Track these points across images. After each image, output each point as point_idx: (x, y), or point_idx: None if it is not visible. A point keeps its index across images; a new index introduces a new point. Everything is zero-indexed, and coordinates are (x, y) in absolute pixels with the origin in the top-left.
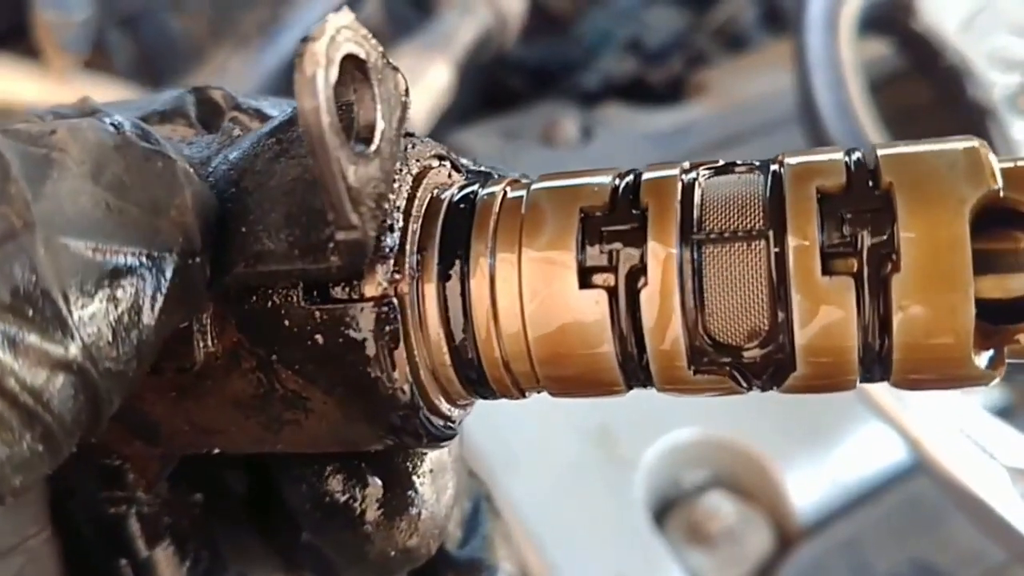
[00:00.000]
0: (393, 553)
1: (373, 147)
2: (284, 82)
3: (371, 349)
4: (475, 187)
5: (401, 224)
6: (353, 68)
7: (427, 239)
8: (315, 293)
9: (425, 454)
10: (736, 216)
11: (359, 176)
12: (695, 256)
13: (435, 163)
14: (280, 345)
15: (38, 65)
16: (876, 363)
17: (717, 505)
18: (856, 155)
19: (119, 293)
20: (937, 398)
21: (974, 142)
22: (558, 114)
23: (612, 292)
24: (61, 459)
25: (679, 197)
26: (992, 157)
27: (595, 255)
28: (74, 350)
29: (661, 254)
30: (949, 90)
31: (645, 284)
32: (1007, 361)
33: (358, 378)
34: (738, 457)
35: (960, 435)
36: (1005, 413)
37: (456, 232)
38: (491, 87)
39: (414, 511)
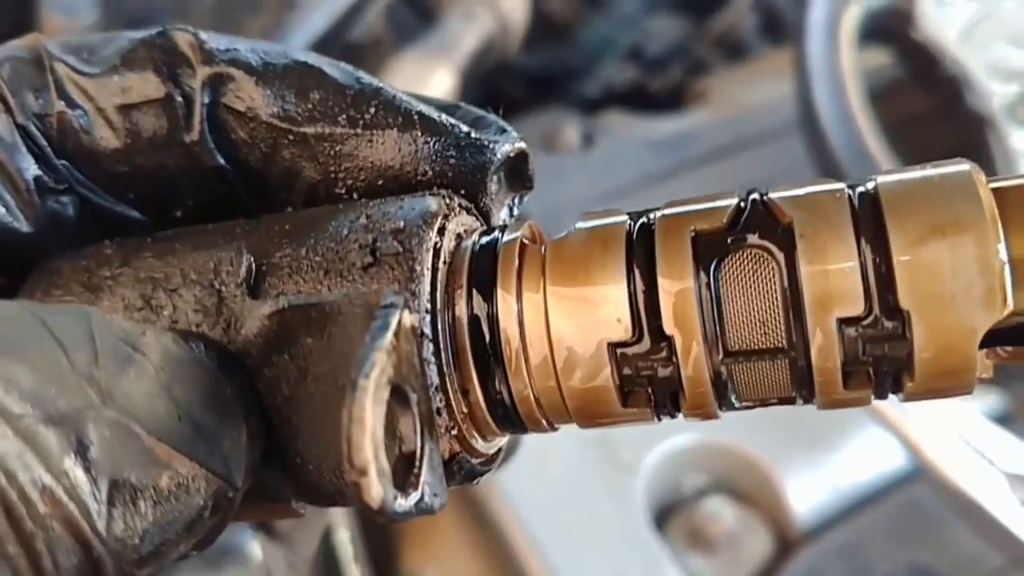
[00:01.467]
0: None
1: (415, 488)
2: None
3: None
4: (499, 234)
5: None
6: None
7: (454, 278)
8: None
9: None
10: (759, 334)
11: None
12: (722, 369)
13: (461, 212)
14: None
15: None
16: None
17: (717, 510)
18: (872, 268)
19: (165, 499)
20: (936, 405)
21: (989, 246)
22: (560, 121)
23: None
24: None
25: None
26: (1006, 273)
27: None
28: (99, 547)
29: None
30: (949, 99)
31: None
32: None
33: None
34: (738, 462)
35: (959, 441)
36: (1003, 419)
37: (481, 271)
38: (493, 94)
39: None
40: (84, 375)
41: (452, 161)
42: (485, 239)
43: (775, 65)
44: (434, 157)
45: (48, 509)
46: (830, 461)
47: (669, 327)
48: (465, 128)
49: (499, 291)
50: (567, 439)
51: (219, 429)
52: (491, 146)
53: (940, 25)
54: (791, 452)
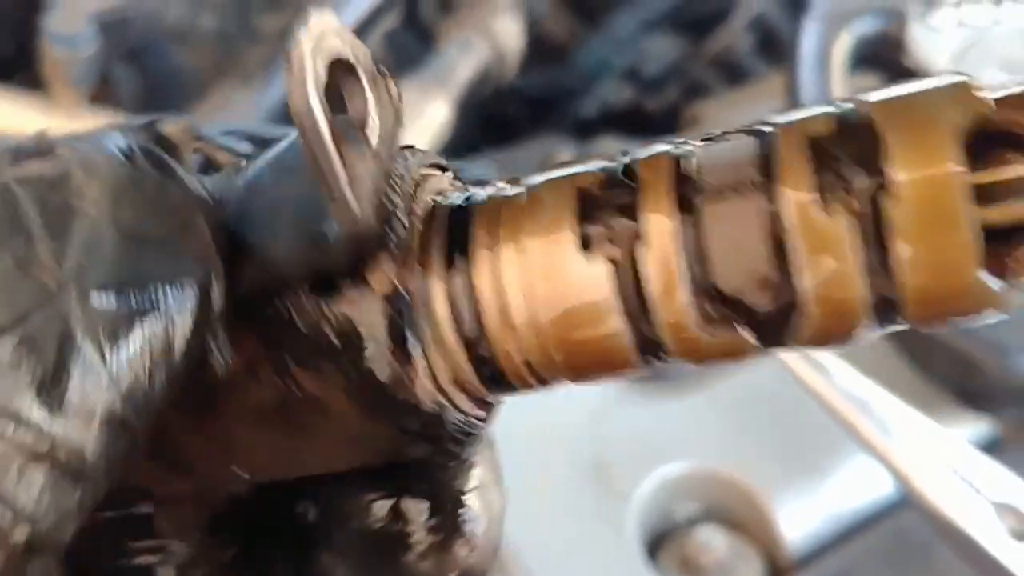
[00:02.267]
0: None
1: (371, 144)
2: (287, 118)
3: (383, 344)
4: (475, 190)
5: (405, 224)
6: (343, 73)
7: (429, 240)
8: (324, 290)
9: (470, 470)
10: (730, 173)
11: (357, 169)
12: (693, 216)
13: (435, 172)
14: (294, 346)
15: (44, 97)
16: (885, 305)
17: (709, 538)
18: (847, 105)
19: (149, 332)
20: (924, 433)
21: (963, 76)
22: (555, 147)
23: (616, 264)
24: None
25: (672, 165)
26: (983, 83)
27: (596, 232)
28: (117, 404)
29: (659, 220)
30: None
31: (647, 250)
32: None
33: (371, 375)
34: (730, 490)
35: (948, 470)
36: (993, 446)
37: (459, 231)
38: (489, 115)
39: (468, 529)
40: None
41: None
42: (461, 198)
43: (770, 89)
44: None
45: None
46: (821, 489)
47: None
48: None
49: (475, 250)
50: (559, 466)
51: (177, 231)
52: None
53: (931, 51)
54: (782, 480)
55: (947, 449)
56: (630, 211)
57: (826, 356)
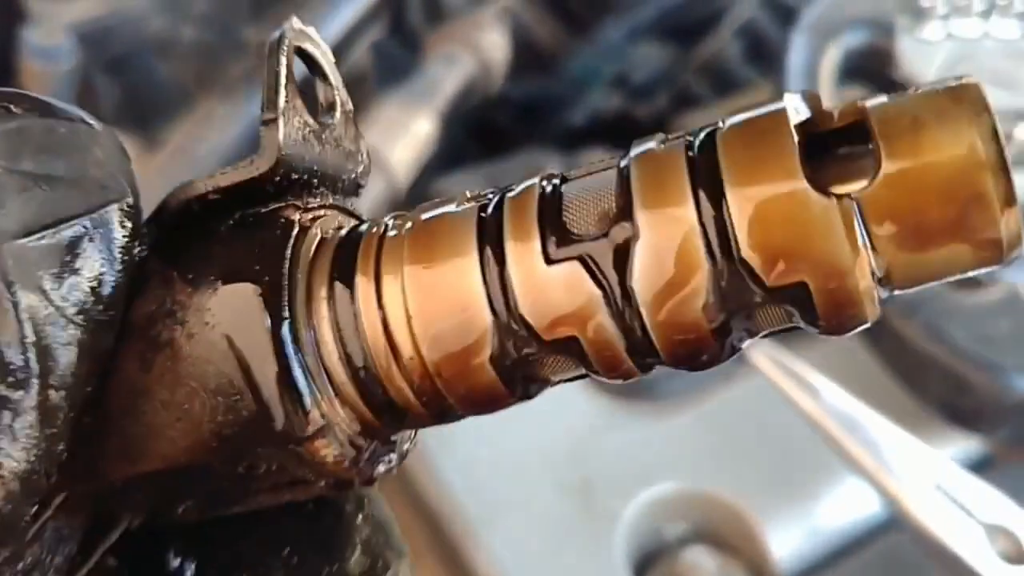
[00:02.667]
0: None
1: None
2: None
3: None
4: (363, 225)
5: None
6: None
7: (314, 269)
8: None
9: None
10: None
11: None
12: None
13: (328, 212)
14: (186, 256)
15: None
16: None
17: (698, 559)
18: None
19: (82, 263)
20: (914, 454)
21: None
22: (541, 159)
23: (488, 287)
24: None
25: (536, 202)
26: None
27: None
28: (72, 330)
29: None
30: None
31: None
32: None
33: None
34: (719, 511)
35: (938, 491)
36: (983, 465)
37: (344, 260)
38: (476, 124)
39: None
40: None
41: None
42: (347, 230)
43: (760, 95)
44: None
45: None
46: (810, 510)
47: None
48: None
49: (358, 278)
50: (545, 487)
51: (79, 164)
52: None
53: (920, 64)
54: (771, 501)
55: (937, 470)
56: (500, 240)
57: (815, 376)
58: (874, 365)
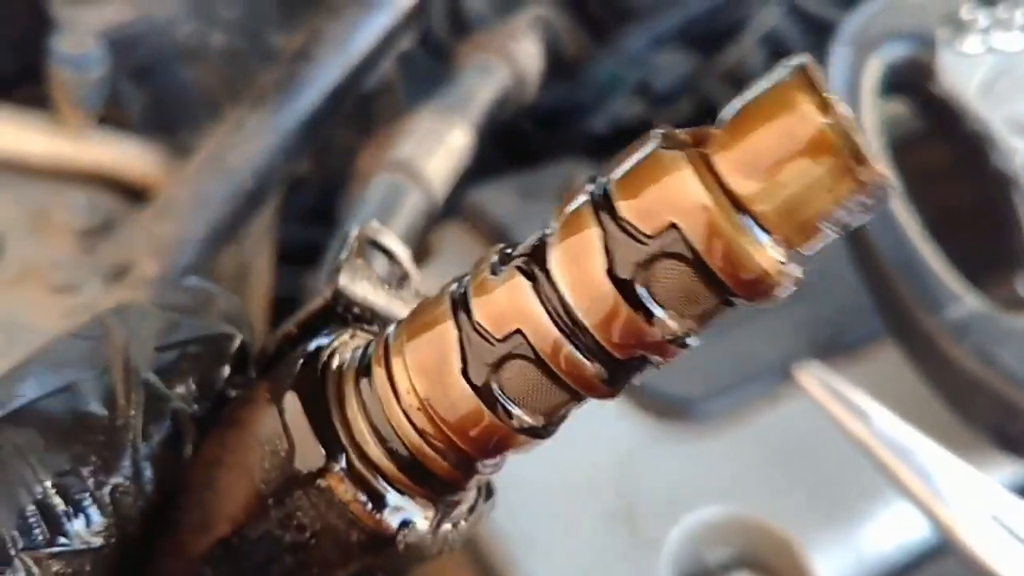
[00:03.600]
0: None
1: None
2: (300, 142)
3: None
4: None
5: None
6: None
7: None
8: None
9: None
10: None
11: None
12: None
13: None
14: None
15: (49, 117)
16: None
17: None
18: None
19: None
20: (966, 480)
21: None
22: (574, 171)
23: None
24: None
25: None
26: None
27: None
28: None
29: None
30: (972, 155)
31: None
32: None
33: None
34: (763, 536)
35: (989, 518)
36: None
37: (362, 363)
38: (502, 131)
39: None
40: None
41: None
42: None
43: None
44: None
45: None
46: (857, 536)
47: None
48: None
49: (374, 369)
50: (588, 514)
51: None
52: None
53: (960, 78)
54: (817, 526)
55: (989, 496)
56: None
57: (865, 399)
58: (921, 388)
